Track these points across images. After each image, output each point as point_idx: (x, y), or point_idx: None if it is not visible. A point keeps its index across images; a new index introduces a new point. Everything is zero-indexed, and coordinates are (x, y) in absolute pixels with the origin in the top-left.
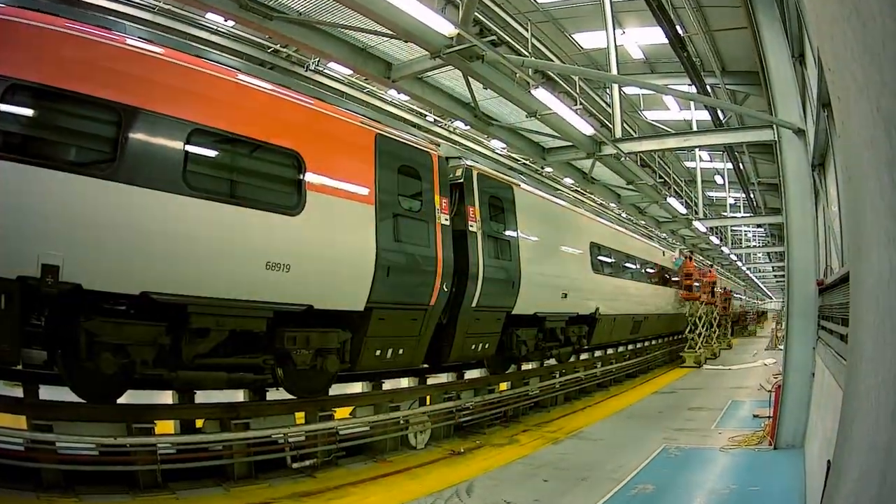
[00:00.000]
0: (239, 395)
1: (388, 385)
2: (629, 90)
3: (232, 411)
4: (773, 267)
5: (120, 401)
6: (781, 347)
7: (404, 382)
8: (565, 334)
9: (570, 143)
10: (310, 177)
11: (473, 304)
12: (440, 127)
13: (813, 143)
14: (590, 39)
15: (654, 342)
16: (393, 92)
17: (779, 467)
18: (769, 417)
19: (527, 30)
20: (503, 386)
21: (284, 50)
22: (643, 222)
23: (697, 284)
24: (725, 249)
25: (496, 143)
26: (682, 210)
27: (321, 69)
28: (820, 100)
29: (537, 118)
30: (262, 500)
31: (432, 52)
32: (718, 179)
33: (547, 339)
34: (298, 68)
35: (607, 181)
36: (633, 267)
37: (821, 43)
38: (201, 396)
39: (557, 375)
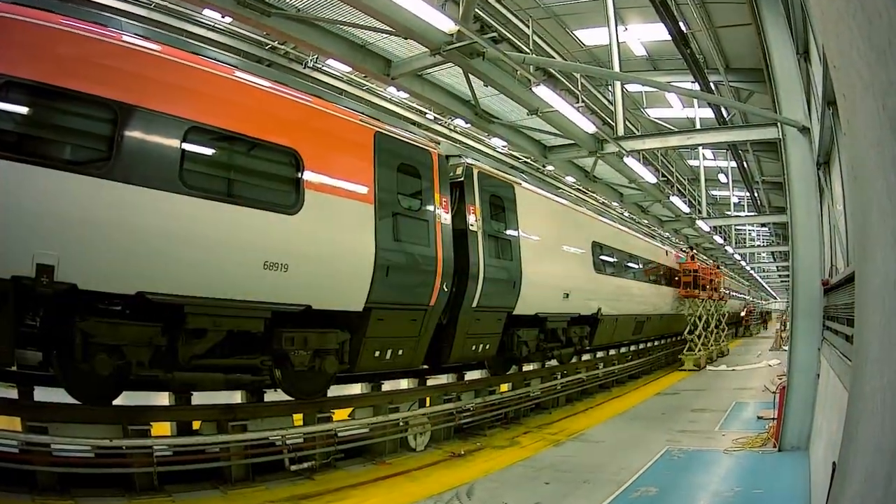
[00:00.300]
0: (236, 397)
1: (387, 386)
2: (632, 87)
3: (229, 413)
4: (777, 267)
5: (116, 402)
6: (786, 348)
7: (404, 384)
8: (567, 335)
9: (572, 142)
10: (308, 175)
11: (474, 305)
12: (440, 125)
13: (818, 142)
14: (592, 36)
15: (657, 343)
16: (392, 89)
17: (783, 470)
18: (773, 419)
19: (528, 26)
20: (504, 387)
21: (282, 47)
22: (646, 221)
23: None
24: (729, 249)
25: (497, 142)
26: (686, 209)
27: (320, 66)
28: (825, 97)
29: (539, 116)
30: (260, 503)
31: (432, 48)
32: (722, 178)
33: (548, 340)
34: (296, 65)
35: (609, 180)
36: (636, 267)
37: (826, 40)
38: (198, 398)
39: (559, 377)
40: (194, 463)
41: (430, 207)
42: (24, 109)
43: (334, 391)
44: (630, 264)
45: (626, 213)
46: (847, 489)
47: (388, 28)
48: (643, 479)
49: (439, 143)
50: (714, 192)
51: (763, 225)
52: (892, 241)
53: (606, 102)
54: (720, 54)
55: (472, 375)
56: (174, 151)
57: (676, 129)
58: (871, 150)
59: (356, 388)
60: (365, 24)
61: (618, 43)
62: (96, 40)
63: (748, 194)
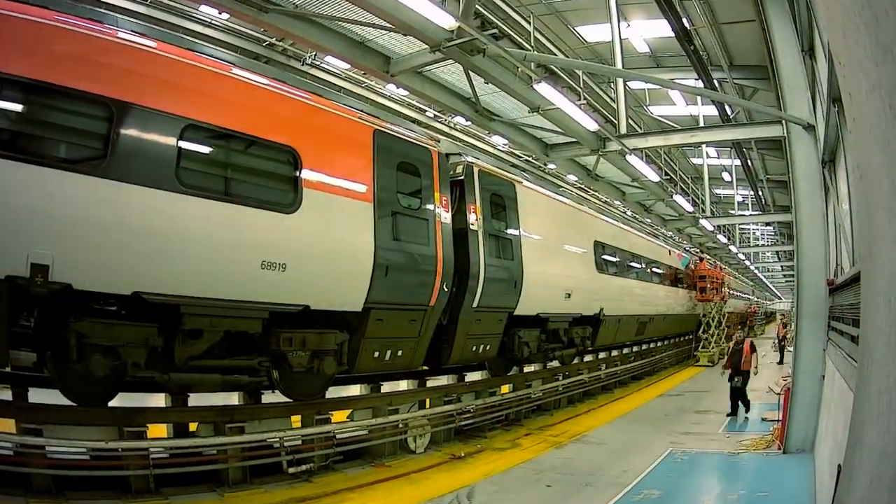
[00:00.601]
0: (234, 398)
1: (386, 388)
2: (634, 85)
3: (226, 414)
4: (782, 266)
5: (111, 404)
6: (791, 349)
7: (403, 385)
8: (568, 335)
9: (574, 140)
10: (306, 174)
11: (474, 305)
12: (440, 122)
13: (823, 140)
14: (594, 33)
15: (660, 343)
16: (392, 86)
17: (788, 472)
18: (778, 421)
19: (529, 23)
20: (505, 388)
21: (280, 44)
22: (648, 220)
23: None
24: (733, 248)
25: (498, 139)
26: (689, 208)
27: (318, 63)
28: (830, 95)
29: (540, 114)
30: None
31: (432, 45)
32: (726, 176)
33: (550, 341)
34: (295, 62)
35: (612, 178)
36: (639, 266)
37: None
38: (195, 399)
39: (561, 378)
40: (191, 465)
41: (430, 206)
42: (17, 107)
43: (333, 392)
44: (633, 264)
45: (629, 212)
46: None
47: (387, 24)
48: (646, 482)
49: (439, 141)
50: (718, 191)
51: (767, 224)
52: None
53: (609, 100)
54: (724, 51)
55: (472, 377)
56: (170, 150)
57: (680, 126)
58: (877, 148)
59: (355, 390)
60: (364, 21)
61: (620, 39)
62: (91, 37)
63: (752, 193)
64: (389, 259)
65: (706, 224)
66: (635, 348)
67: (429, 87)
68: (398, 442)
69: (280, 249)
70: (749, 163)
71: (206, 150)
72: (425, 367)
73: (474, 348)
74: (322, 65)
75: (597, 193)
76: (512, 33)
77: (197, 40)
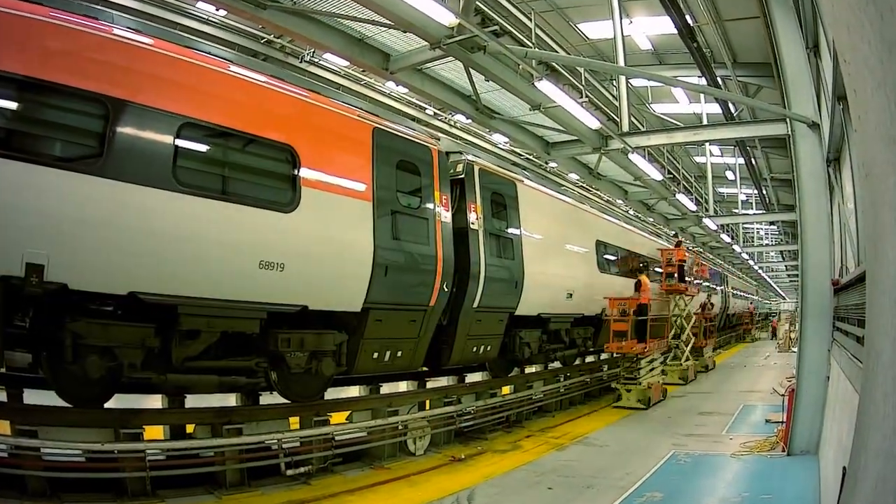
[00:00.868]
0: (231, 400)
1: (385, 389)
2: (637, 82)
3: (224, 416)
4: (786, 266)
5: (107, 405)
6: (795, 350)
7: (403, 386)
8: (570, 336)
9: (576, 138)
10: (304, 172)
11: (475, 305)
12: (440, 120)
13: (828, 138)
14: (596, 29)
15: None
16: (391, 84)
17: (792, 474)
18: (782, 422)
19: (530, 19)
20: (506, 390)
21: (278, 41)
22: (651, 219)
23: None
24: (737, 248)
25: (498, 138)
26: (692, 207)
27: (316, 60)
28: (835, 93)
29: (541, 111)
30: None
31: (432, 42)
32: (729, 175)
33: (551, 342)
34: (293, 59)
35: (614, 177)
36: (642, 266)
37: (836, 34)
38: (192, 401)
39: (562, 379)
40: (188, 467)
41: (430, 205)
42: (12, 105)
43: (331, 394)
44: (636, 263)
45: (631, 211)
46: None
47: (386, 21)
48: (648, 485)
49: (439, 140)
50: (721, 190)
51: (771, 223)
52: None
53: (611, 97)
54: (727, 48)
55: (473, 378)
56: (167, 148)
57: (683, 124)
58: (882, 146)
59: (354, 391)
60: (363, 17)
61: (622, 36)
62: (86, 33)
63: (756, 192)
64: (389, 259)
65: (709, 223)
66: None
67: (429, 84)
68: (398, 444)
69: (278, 249)
70: (753, 161)
71: (203, 148)
72: (425, 368)
73: (475, 349)
74: (321, 62)
75: (599, 192)
76: (513, 30)
77: (194, 37)
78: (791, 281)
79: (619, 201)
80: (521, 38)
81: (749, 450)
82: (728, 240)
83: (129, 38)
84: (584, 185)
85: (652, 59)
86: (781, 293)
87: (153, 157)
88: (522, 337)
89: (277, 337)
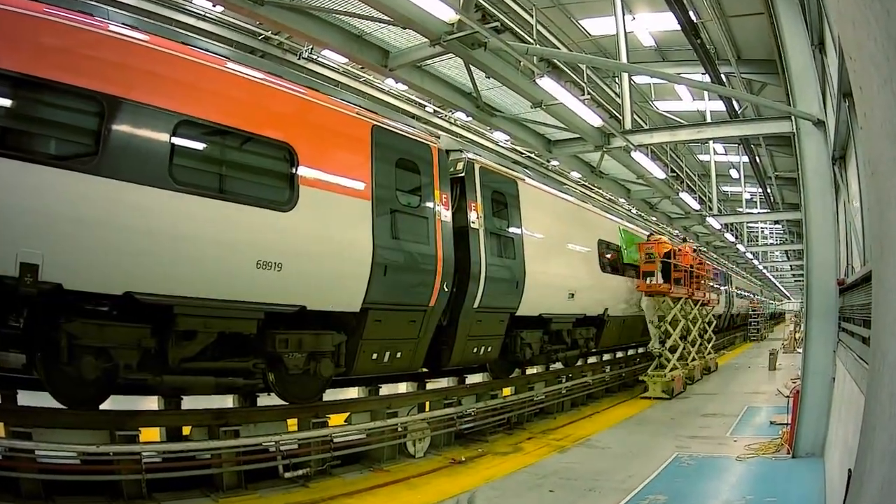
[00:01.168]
0: (228, 401)
1: (385, 390)
2: (639, 79)
3: (221, 418)
4: (791, 266)
5: (103, 407)
6: (800, 350)
7: (402, 387)
8: (572, 337)
9: (578, 136)
10: (303, 171)
11: (475, 305)
12: (440, 118)
13: (833, 136)
14: (598, 26)
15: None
16: (390, 81)
17: (797, 477)
18: (787, 424)
19: (532, 15)
20: (507, 391)
21: (276, 37)
22: (654, 218)
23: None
24: (741, 247)
25: (499, 136)
26: (696, 206)
27: (315, 57)
28: (841, 90)
29: (543, 109)
30: None
31: (432, 39)
32: (733, 173)
33: (553, 342)
34: (291, 56)
35: (616, 175)
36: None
37: (842, 31)
38: (188, 402)
39: (564, 380)
40: (184, 470)
41: (430, 204)
42: (6, 102)
43: (330, 395)
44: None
45: (634, 210)
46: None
47: (386, 17)
48: (651, 487)
49: (439, 137)
50: (725, 188)
51: (776, 222)
52: None
53: (613, 95)
54: (732, 45)
55: (473, 379)
56: (163, 146)
57: (686, 122)
58: (888, 144)
59: (353, 393)
60: (362, 13)
61: (625, 33)
62: (81, 30)
63: (761, 190)
64: (388, 258)
65: (713, 222)
66: (640, 350)
67: (428, 81)
68: (397, 446)
69: (276, 248)
70: (757, 159)
71: (200, 146)
72: (425, 370)
73: (475, 350)
74: (319, 59)
75: (601, 191)
76: (514, 26)
77: (190, 34)
78: (796, 281)
79: (622, 200)
80: (523, 34)
81: (754, 452)
82: (732, 239)
83: (124, 35)
84: (586, 183)
85: (655, 55)
86: (786, 293)
87: (149, 155)
88: (524, 338)
89: (275, 337)
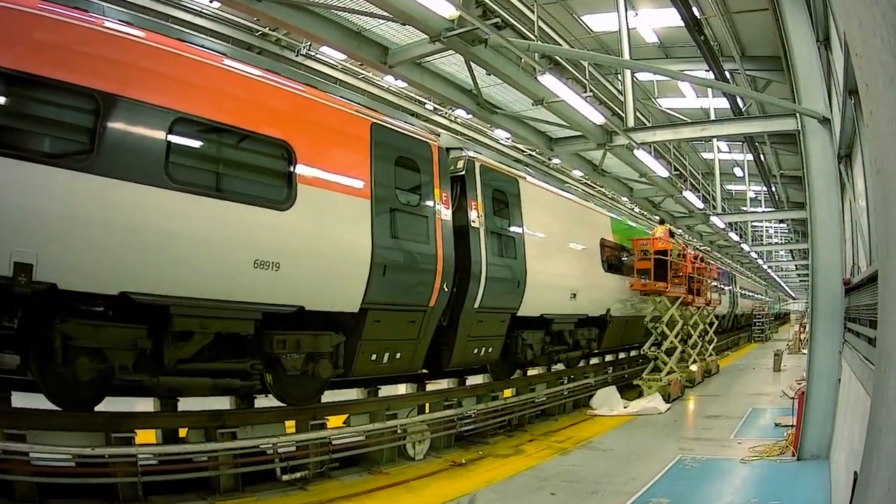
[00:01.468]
0: (225, 403)
1: (384, 391)
2: (642, 76)
3: (217, 420)
4: (796, 266)
5: (98, 408)
6: (805, 351)
7: (402, 389)
8: (574, 337)
9: (580, 133)
10: (301, 169)
11: (476, 305)
12: (440, 115)
13: (839, 133)
14: (600, 22)
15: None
16: (390, 78)
17: (802, 479)
18: (792, 426)
19: (533, 11)
20: (508, 392)
21: (274, 33)
22: (657, 218)
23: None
24: (745, 247)
25: (500, 133)
26: (699, 204)
27: (313, 54)
28: (846, 87)
29: (544, 106)
30: None
31: (432, 35)
32: (738, 172)
33: (554, 343)
34: (289, 53)
35: (619, 173)
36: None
37: (847, 27)
38: (185, 404)
39: (566, 381)
40: (181, 472)
41: (430, 203)
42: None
43: (328, 397)
44: None
45: (637, 209)
46: (870, 500)
47: (385, 13)
48: (655, 490)
49: (439, 135)
50: (729, 187)
51: (781, 221)
52: None
53: (616, 92)
54: (736, 41)
55: (473, 380)
56: (159, 144)
57: (689, 120)
58: (894, 142)
59: (352, 394)
60: (361, 10)
61: (628, 29)
62: (76, 26)
63: (765, 189)
64: (387, 258)
65: (717, 221)
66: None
67: (428, 78)
68: (397, 448)
69: (273, 248)
70: (762, 157)
71: (196, 144)
72: (425, 371)
73: (476, 351)
74: (317, 56)
75: (603, 189)
76: (515, 23)
77: (187, 30)
78: (801, 281)
79: (625, 199)
80: (524, 30)
81: (758, 454)
82: (736, 238)
83: (120, 31)
84: (588, 182)
85: (658, 52)
86: (791, 293)
87: (145, 153)
88: (525, 338)
89: (273, 338)
